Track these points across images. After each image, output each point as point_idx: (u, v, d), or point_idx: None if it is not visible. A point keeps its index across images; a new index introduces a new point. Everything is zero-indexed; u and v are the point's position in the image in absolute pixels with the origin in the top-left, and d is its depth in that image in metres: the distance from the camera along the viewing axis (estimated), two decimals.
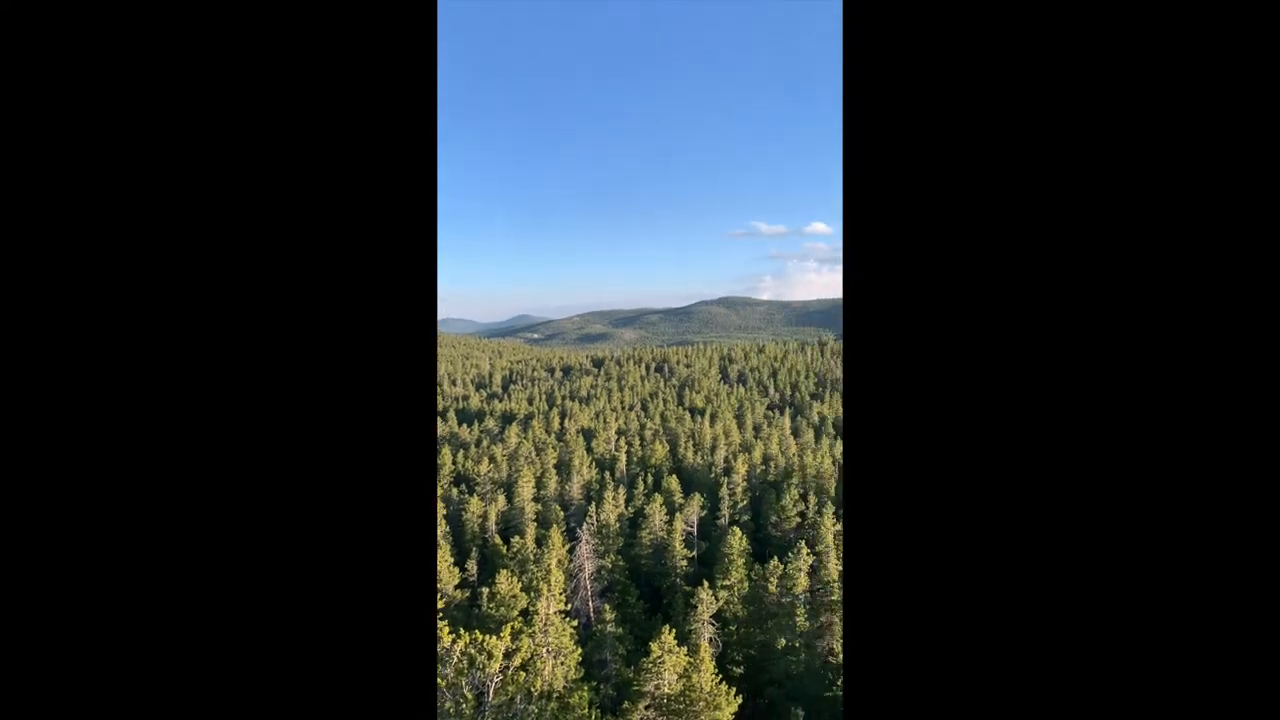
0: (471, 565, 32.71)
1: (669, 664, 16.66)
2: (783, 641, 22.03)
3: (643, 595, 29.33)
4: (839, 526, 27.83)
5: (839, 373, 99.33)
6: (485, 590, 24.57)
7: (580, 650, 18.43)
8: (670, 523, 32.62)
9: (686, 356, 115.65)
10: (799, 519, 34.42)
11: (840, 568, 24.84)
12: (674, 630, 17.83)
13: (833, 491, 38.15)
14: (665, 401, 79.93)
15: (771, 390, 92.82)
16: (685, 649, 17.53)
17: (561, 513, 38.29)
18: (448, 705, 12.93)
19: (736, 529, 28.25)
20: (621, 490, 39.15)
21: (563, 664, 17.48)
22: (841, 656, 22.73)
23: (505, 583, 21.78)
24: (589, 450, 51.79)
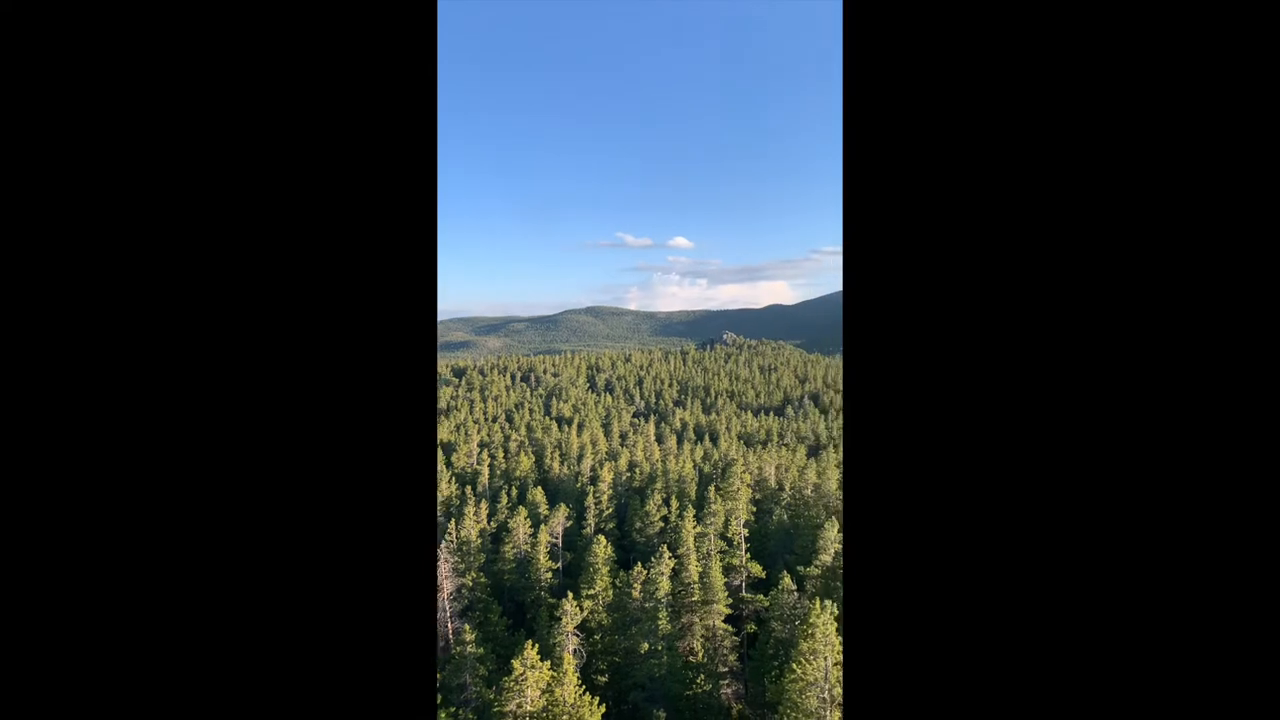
0: None
1: (531, 680, 16.30)
2: (646, 646, 22.46)
3: (506, 612, 28.49)
4: (699, 529, 29.01)
5: (699, 381, 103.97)
6: None
7: (438, 676, 17.45)
8: (535, 535, 32.05)
9: (554, 365, 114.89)
10: (662, 523, 35.39)
11: (699, 569, 25.87)
12: (537, 645, 17.49)
13: (693, 495, 39.69)
14: (531, 411, 78.70)
15: (638, 398, 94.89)
16: (549, 663, 17.26)
17: None
18: None
19: (602, 537, 28.42)
20: (484, 505, 37.83)
21: None
22: (700, 655, 23.64)
23: None
24: (449, 465, 49.53)
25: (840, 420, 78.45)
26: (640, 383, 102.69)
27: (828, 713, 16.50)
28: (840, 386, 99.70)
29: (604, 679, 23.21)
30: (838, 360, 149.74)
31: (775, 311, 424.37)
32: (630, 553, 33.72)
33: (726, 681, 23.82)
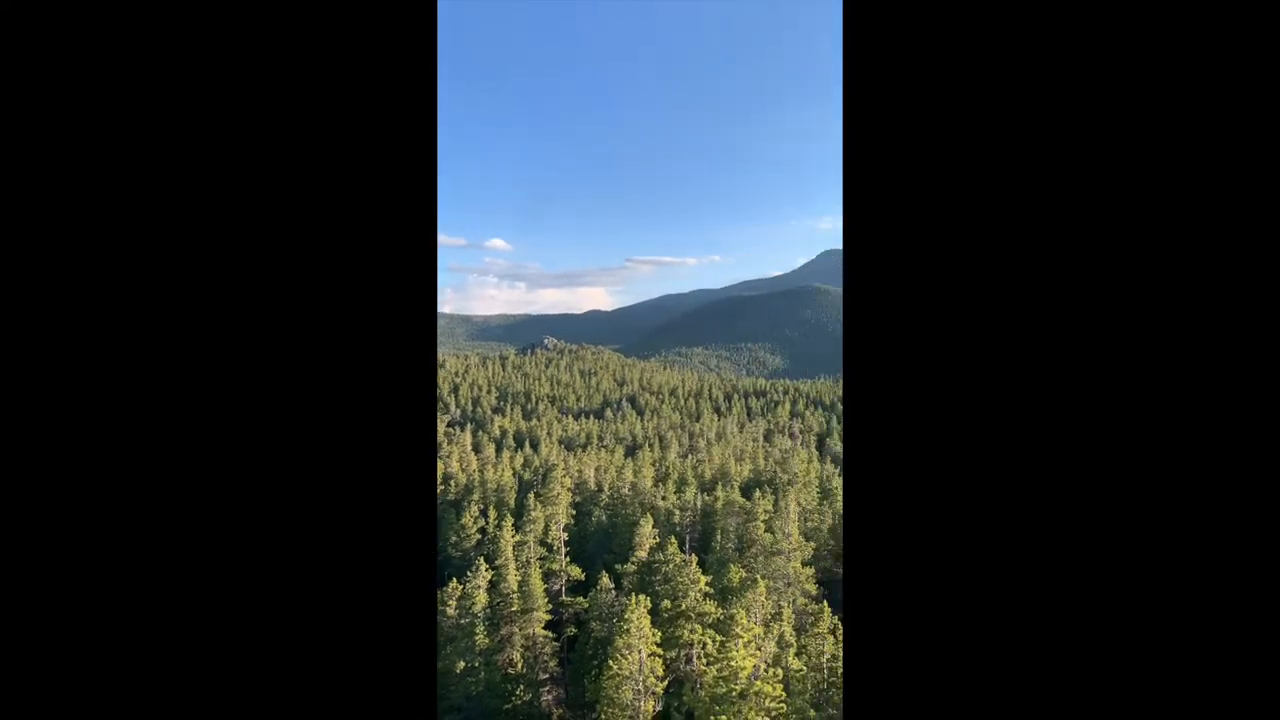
0: None
1: None
2: (462, 664, 21.49)
3: None
4: (518, 537, 28.52)
5: (520, 386, 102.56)
6: None
7: None
8: None
9: None
10: (479, 535, 34.20)
11: (519, 577, 25.45)
12: None
13: (512, 503, 38.97)
14: None
15: (453, 407, 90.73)
16: None
17: None
18: None
19: None
20: None
21: None
22: (520, 666, 23.24)
23: None
24: None
25: (655, 421, 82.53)
26: (456, 390, 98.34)
27: (642, 703, 17.21)
28: (654, 388, 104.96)
29: None
30: (653, 364, 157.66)
31: (595, 317, 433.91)
32: (445, 569, 32.06)
33: (547, 688, 23.70)
